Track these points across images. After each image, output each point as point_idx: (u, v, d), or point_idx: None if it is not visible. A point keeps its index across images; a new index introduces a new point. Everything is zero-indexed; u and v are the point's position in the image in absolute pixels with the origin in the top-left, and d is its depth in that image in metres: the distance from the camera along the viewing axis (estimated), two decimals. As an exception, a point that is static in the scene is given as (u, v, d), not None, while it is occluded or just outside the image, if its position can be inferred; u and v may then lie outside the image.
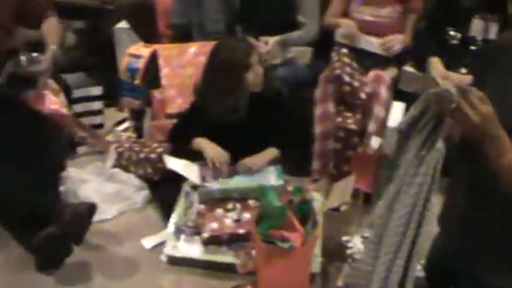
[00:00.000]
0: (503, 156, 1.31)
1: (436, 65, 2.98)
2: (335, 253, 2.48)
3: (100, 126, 3.50)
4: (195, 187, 2.74)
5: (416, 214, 1.42)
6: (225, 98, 2.70)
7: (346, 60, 3.08)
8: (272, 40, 3.18)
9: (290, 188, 2.40)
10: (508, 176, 1.32)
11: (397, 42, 3.21)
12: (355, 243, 2.40)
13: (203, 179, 2.72)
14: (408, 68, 3.18)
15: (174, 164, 2.76)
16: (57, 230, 2.32)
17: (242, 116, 2.75)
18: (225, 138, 2.77)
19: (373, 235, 1.59)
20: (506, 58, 1.50)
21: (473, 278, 1.58)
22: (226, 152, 2.77)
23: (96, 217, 2.70)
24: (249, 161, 2.78)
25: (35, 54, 2.66)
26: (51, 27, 2.97)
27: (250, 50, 2.69)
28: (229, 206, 2.65)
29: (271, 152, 2.84)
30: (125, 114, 3.47)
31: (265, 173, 2.78)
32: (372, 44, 3.23)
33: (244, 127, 2.73)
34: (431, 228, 1.42)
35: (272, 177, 2.73)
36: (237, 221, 2.57)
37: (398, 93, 3.11)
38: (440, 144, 1.37)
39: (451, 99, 1.30)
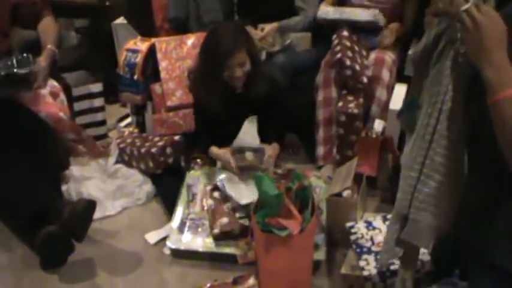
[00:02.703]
0: (502, 88, 1.24)
1: None
2: (339, 239, 2.45)
3: (102, 123, 3.49)
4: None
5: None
6: (209, 85, 2.64)
7: (347, 43, 3.03)
8: (268, 27, 3.13)
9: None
10: (500, 116, 1.26)
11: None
12: (359, 229, 2.35)
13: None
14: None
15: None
16: (56, 228, 2.33)
17: (232, 110, 2.68)
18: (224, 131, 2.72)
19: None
20: None
21: (481, 257, 1.54)
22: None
23: (100, 214, 2.74)
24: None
25: (25, 55, 2.62)
26: (48, 27, 2.95)
27: (238, 41, 2.55)
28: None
29: (276, 147, 2.80)
30: (127, 109, 3.46)
31: None
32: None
33: (237, 122, 2.69)
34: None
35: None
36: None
37: (401, 76, 3.06)
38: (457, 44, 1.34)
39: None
